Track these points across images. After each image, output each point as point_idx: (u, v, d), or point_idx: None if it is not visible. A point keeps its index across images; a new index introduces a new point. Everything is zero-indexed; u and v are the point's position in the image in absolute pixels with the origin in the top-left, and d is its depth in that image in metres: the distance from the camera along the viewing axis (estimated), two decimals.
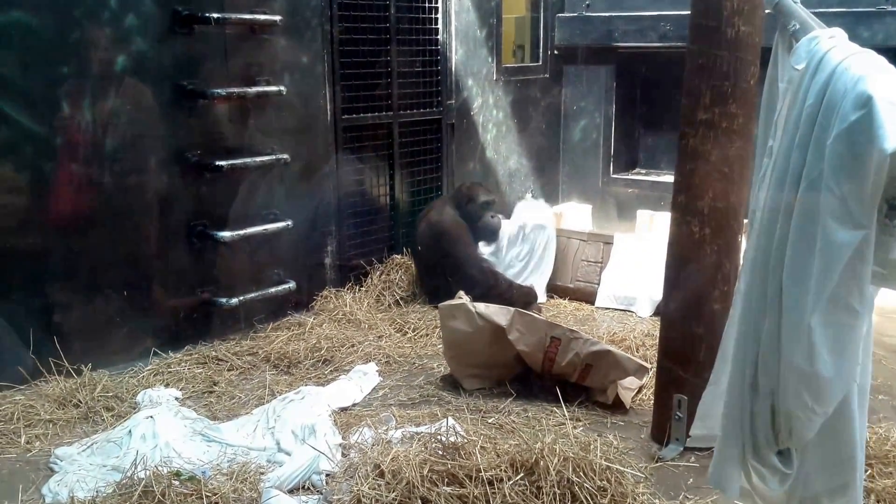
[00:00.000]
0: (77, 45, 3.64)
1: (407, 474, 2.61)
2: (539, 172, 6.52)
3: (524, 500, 2.53)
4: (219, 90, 4.07)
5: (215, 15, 4.00)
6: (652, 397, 3.40)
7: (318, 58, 4.61)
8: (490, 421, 3.34)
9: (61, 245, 3.72)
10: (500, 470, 2.60)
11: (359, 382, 3.73)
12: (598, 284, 5.04)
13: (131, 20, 3.80)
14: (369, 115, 4.97)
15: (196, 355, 4.10)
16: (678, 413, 3.03)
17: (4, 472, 3.04)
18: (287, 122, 4.52)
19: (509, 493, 2.52)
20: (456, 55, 5.50)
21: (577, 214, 6.35)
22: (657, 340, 3.31)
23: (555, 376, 3.57)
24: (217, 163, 4.09)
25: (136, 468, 2.79)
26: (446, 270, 4.78)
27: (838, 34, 1.94)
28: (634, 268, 4.96)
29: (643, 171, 6.79)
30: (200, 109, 4.11)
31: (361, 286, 4.94)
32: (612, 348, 3.57)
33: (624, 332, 4.39)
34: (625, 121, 6.65)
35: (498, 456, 2.68)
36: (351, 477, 2.83)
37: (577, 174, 6.68)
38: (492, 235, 5.03)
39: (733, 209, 2.95)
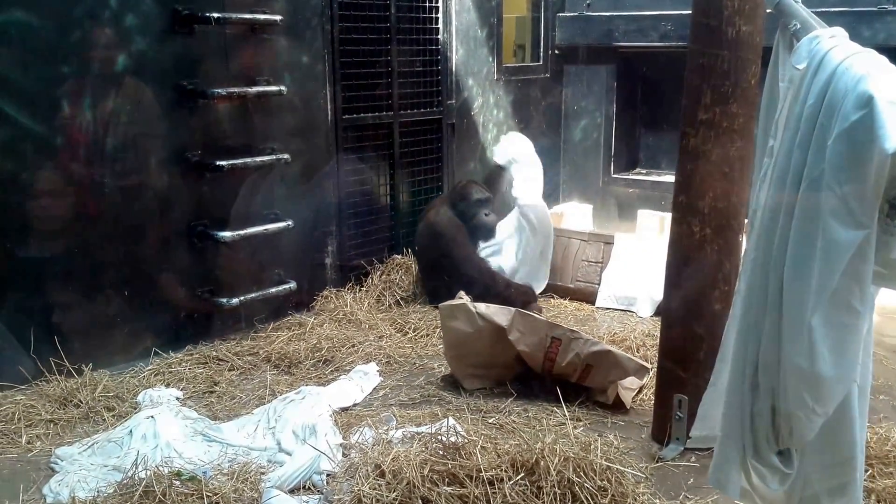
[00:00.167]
0: (77, 45, 3.64)
1: (407, 474, 2.61)
2: None
3: (525, 500, 2.53)
4: (219, 90, 4.07)
5: (215, 14, 3.99)
6: (652, 397, 3.40)
7: (318, 57, 4.61)
8: (490, 421, 3.34)
9: (62, 245, 3.72)
10: (501, 470, 2.60)
11: (359, 382, 3.73)
12: (599, 284, 5.04)
13: (131, 20, 3.80)
14: (370, 114, 4.97)
15: (197, 355, 4.10)
16: (678, 413, 3.03)
17: (5, 471, 3.04)
18: (287, 122, 4.52)
19: (510, 493, 2.52)
20: (456, 55, 5.50)
21: (577, 214, 6.35)
22: (658, 340, 3.31)
23: (555, 376, 3.57)
24: (217, 163, 4.09)
25: (136, 468, 2.79)
26: (444, 270, 4.78)
27: (839, 34, 1.94)
28: (635, 268, 4.96)
29: (644, 171, 6.79)
30: (201, 109, 4.11)
31: (362, 286, 4.94)
32: (613, 348, 3.57)
33: (624, 332, 4.38)
34: (625, 120, 6.65)
35: (498, 456, 2.68)
36: (351, 477, 2.83)
37: (578, 174, 6.68)
38: (486, 234, 4.98)
39: (734, 209, 2.95)
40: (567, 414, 3.23)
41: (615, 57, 6.39)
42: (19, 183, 3.56)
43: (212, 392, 3.73)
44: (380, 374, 3.88)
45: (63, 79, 3.62)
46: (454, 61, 5.48)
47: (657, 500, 2.74)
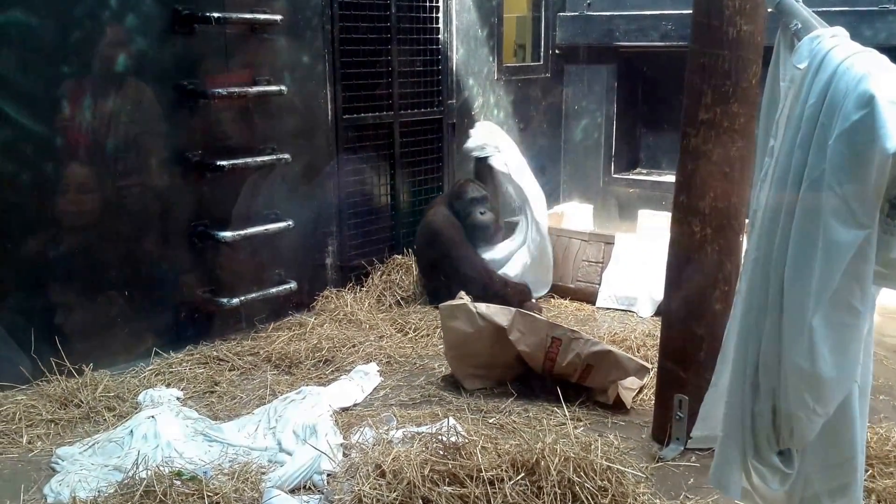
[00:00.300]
0: (77, 45, 3.64)
1: (408, 474, 2.61)
2: (540, 172, 6.49)
3: (525, 500, 2.53)
4: (219, 90, 4.07)
5: (216, 14, 3.99)
6: (653, 397, 3.40)
7: (318, 57, 4.61)
8: (491, 421, 3.34)
9: (62, 245, 3.72)
10: (501, 470, 2.60)
11: (360, 382, 3.73)
12: (599, 285, 5.04)
13: (132, 20, 3.80)
14: (370, 114, 4.97)
15: (197, 355, 4.10)
16: (679, 413, 3.03)
17: (6, 471, 3.04)
18: (288, 122, 4.52)
19: (510, 493, 2.52)
20: (457, 55, 5.50)
21: (578, 214, 6.35)
22: (658, 341, 3.31)
23: (556, 376, 3.57)
24: (218, 163, 4.08)
25: (137, 468, 2.79)
26: (442, 270, 4.78)
27: (840, 33, 1.94)
28: (635, 268, 4.95)
29: (644, 171, 6.79)
30: (201, 109, 4.11)
31: (362, 286, 4.93)
32: (613, 348, 3.57)
33: (625, 332, 4.38)
34: (626, 120, 6.65)
35: (499, 456, 2.68)
36: (352, 477, 2.83)
37: (578, 174, 6.68)
38: (481, 232, 4.93)
39: (734, 209, 2.95)
40: (567, 414, 3.23)
41: (616, 57, 6.39)
42: (19, 183, 3.56)
43: (212, 392, 3.73)
44: (380, 374, 3.88)
45: (63, 79, 3.62)
46: (455, 61, 5.48)
47: (657, 500, 2.73)
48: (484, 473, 2.57)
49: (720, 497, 2.75)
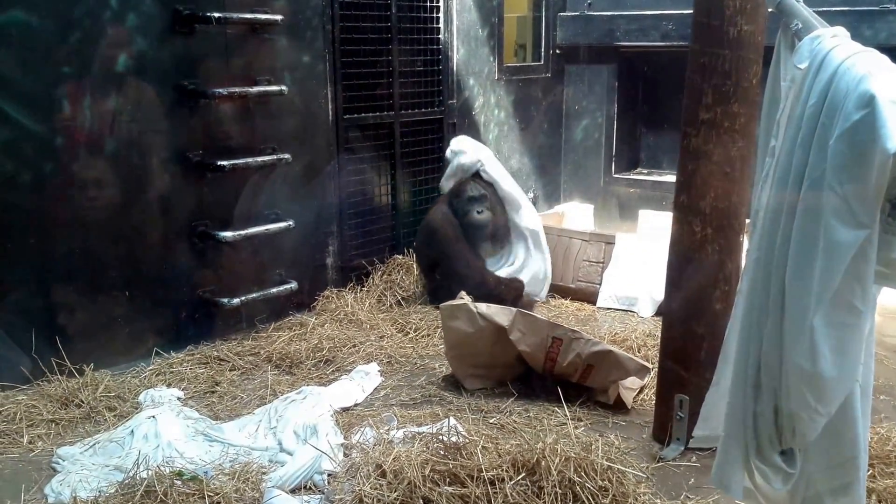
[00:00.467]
0: (78, 45, 3.64)
1: (408, 474, 2.61)
2: (541, 172, 6.52)
3: (526, 500, 2.53)
4: (220, 90, 4.07)
5: (216, 14, 3.99)
6: (653, 397, 3.40)
7: (319, 57, 4.61)
8: (491, 421, 3.34)
9: (63, 245, 3.72)
10: (502, 470, 2.60)
11: (360, 382, 3.73)
12: (600, 284, 5.04)
13: (132, 20, 3.80)
14: (371, 114, 4.97)
15: (198, 355, 4.10)
16: (680, 413, 3.03)
17: (7, 471, 3.04)
18: (288, 122, 4.52)
19: (511, 493, 2.52)
20: (457, 54, 5.50)
21: (578, 214, 6.35)
22: (659, 340, 3.31)
23: (556, 376, 3.57)
24: (219, 163, 4.09)
25: (138, 468, 2.80)
26: (438, 268, 4.79)
27: (841, 33, 1.94)
28: (636, 268, 4.95)
29: (645, 171, 6.79)
30: (202, 109, 4.11)
31: (363, 286, 4.93)
32: (614, 348, 3.57)
33: (625, 332, 4.38)
34: (626, 120, 6.64)
35: (499, 456, 2.68)
36: (353, 477, 2.83)
37: (579, 174, 6.68)
38: (478, 231, 4.91)
39: (735, 209, 2.95)
40: (568, 414, 3.23)
41: (616, 56, 6.38)
42: (20, 183, 3.56)
43: (213, 392, 3.73)
44: (381, 374, 3.88)
45: (64, 79, 3.62)
46: (455, 61, 5.48)
47: (658, 500, 2.73)
48: (485, 473, 2.57)
49: (721, 497, 2.75)
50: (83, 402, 3.50)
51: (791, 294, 1.90)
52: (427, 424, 3.22)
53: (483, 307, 3.64)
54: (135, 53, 3.82)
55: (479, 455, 2.66)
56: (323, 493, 2.82)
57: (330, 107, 4.71)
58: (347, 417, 3.40)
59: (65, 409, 3.47)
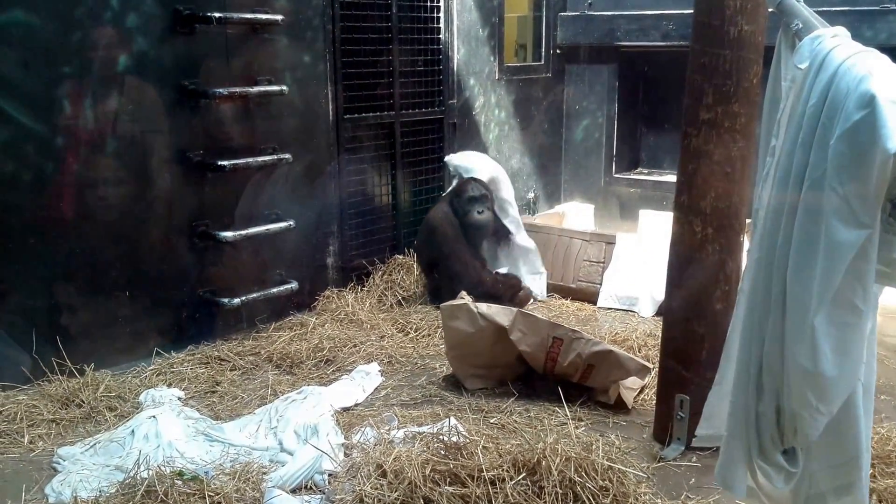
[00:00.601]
0: (79, 45, 3.64)
1: (409, 474, 2.61)
2: (541, 172, 6.52)
3: (526, 500, 2.53)
4: (221, 90, 4.07)
5: (217, 14, 3.99)
6: (654, 397, 3.40)
7: (319, 57, 4.61)
8: (492, 421, 3.34)
9: (64, 245, 3.73)
10: (503, 470, 2.60)
11: (361, 382, 3.73)
12: (600, 284, 5.04)
13: (133, 20, 3.80)
14: (371, 114, 4.97)
15: (199, 355, 4.10)
16: (680, 413, 3.03)
17: (8, 471, 3.04)
18: (289, 122, 4.52)
19: (511, 493, 2.52)
20: (458, 54, 5.49)
21: (579, 214, 6.35)
22: (659, 340, 3.31)
23: (557, 376, 3.57)
24: (219, 163, 4.09)
25: (138, 468, 2.79)
26: (437, 267, 4.79)
27: (841, 33, 1.94)
28: (636, 268, 4.95)
29: (645, 171, 6.79)
30: (202, 109, 4.11)
31: (363, 286, 4.93)
32: (614, 348, 3.57)
33: (626, 332, 4.38)
34: (627, 120, 6.64)
35: (500, 456, 2.68)
36: (353, 477, 2.83)
37: (580, 174, 6.68)
38: (477, 232, 4.93)
39: (735, 209, 2.95)
40: (569, 414, 3.23)
41: (617, 56, 6.38)
42: (21, 183, 3.56)
43: (214, 392, 3.73)
44: (381, 374, 3.88)
45: (64, 79, 3.62)
46: (455, 61, 5.48)
47: (659, 500, 2.73)
48: (485, 473, 2.57)
49: (721, 497, 2.75)
50: (84, 402, 3.51)
51: (792, 293, 1.90)
52: (428, 424, 3.22)
53: (483, 307, 3.64)
54: (135, 53, 3.82)
55: (480, 455, 2.66)
56: (324, 493, 2.82)
57: (330, 107, 4.71)
58: (348, 417, 3.40)
59: (65, 408, 3.47)
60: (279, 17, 4.29)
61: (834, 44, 1.88)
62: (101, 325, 3.88)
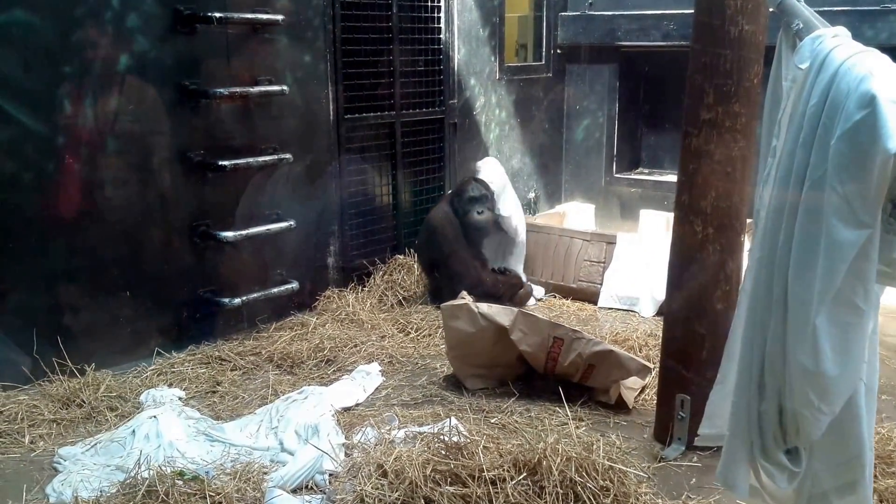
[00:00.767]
0: (79, 45, 3.64)
1: (410, 474, 2.61)
2: (542, 171, 6.52)
3: (527, 500, 2.53)
4: (221, 90, 4.07)
5: (217, 14, 3.99)
6: (655, 397, 3.40)
7: (320, 57, 4.61)
8: (493, 421, 3.34)
9: (64, 245, 3.73)
10: (503, 470, 2.60)
11: (362, 382, 3.73)
12: (601, 284, 5.04)
13: (133, 19, 3.80)
14: (372, 114, 4.97)
15: (199, 355, 4.10)
16: (681, 413, 3.03)
17: (9, 471, 3.04)
18: (289, 122, 4.52)
19: (512, 493, 2.52)
20: (458, 54, 5.49)
21: (579, 214, 6.34)
22: (660, 340, 3.31)
23: (557, 376, 3.57)
24: (220, 162, 4.09)
25: (139, 468, 2.80)
26: (437, 266, 4.79)
27: (842, 33, 1.94)
28: (637, 268, 4.95)
29: (646, 171, 6.79)
30: (203, 109, 4.11)
31: (364, 286, 4.93)
32: (615, 348, 3.57)
33: (627, 332, 4.38)
34: (628, 120, 6.64)
35: (501, 456, 2.68)
36: (354, 477, 2.83)
37: (580, 173, 6.68)
38: (476, 232, 4.93)
39: (736, 208, 2.95)
40: (569, 414, 3.22)
41: (617, 56, 6.38)
42: (21, 183, 3.56)
43: (214, 392, 3.73)
44: (382, 374, 3.88)
45: (65, 79, 3.62)
46: (456, 61, 5.48)
47: (659, 500, 2.73)
48: (486, 473, 2.57)
49: (722, 497, 2.75)
50: (84, 402, 3.51)
51: (793, 293, 1.90)
52: (428, 424, 3.22)
53: (484, 307, 3.64)
54: (136, 53, 3.82)
55: (481, 455, 2.66)
56: (324, 493, 2.82)
57: (331, 107, 4.71)
58: (349, 417, 3.40)
59: (66, 408, 3.48)
60: (280, 17, 4.29)
61: (834, 44, 1.88)
62: (101, 325, 3.88)
